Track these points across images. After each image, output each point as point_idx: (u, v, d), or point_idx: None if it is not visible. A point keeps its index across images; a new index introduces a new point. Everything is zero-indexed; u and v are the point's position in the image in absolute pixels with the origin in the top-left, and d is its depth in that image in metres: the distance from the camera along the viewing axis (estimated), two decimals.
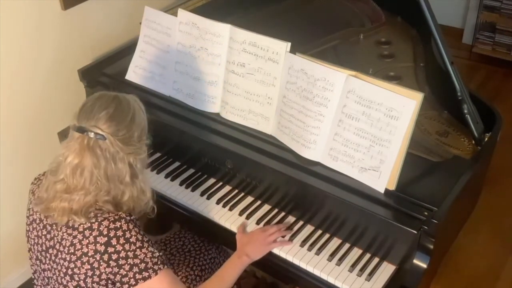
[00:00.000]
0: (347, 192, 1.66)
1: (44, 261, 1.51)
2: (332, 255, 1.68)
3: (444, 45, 1.79)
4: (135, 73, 2.13)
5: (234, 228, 1.78)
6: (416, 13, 1.86)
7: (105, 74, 2.23)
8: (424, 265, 1.55)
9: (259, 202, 1.87)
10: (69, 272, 1.42)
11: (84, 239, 1.39)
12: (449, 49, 1.79)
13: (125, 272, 1.39)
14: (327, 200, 1.70)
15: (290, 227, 1.77)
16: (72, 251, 1.41)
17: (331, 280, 1.62)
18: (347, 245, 1.71)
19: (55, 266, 1.47)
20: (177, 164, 2.04)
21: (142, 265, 1.40)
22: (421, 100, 1.53)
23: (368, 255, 1.68)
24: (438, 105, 2.03)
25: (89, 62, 2.33)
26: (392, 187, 1.62)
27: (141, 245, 1.40)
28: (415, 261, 1.56)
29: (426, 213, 1.56)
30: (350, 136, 1.65)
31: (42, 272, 1.54)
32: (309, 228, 1.77)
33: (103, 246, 1.38)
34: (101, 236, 1.38)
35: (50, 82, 2.35)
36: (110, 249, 1.38)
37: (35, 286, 1.62)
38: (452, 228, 1.87)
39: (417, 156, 1.75)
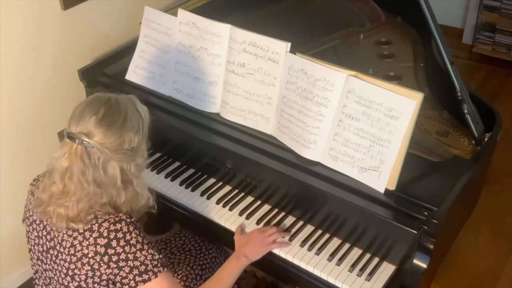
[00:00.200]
0: (347, 192, 1.66)
1: (45, 261, 1.51)
2: (332, 255, 1.68)
3: (444, 45, 1.79)
4: (135, 73, 2.13)
5: (234, 228, 1.78)
6: (416, 13, 1.86)
7: (105, 74, 2.23)
8: (424, 265, 1.56)
9: (259, 202, 1.87)
10: (70, 273, 1.42)
11: (84, 240, 1.39)
12: (449, 49, 1.79)
13: (125, 274, 1.39)
14: (327, 200, 1.70)
15: (290, 227, 1.77)
16: (73, 252, 1.41)
17: (331, 280, 1.62)
18: (347, 245, 1.71)
19: (56, 266, 1.47)
20: (177, 164, 2.04)
21: (142, 268, 1.40)
22: (421, 100, 1.53)
23: (368, 255, 1.68)
24: (438, 105, 2.03)
25: (89, 62, 2.33)
26: (392, 187, 1.62)
27: (141, 247, 1.40)
28: (415, 261, 1.56)
29: (426, 213, 1.56)
30: (350, 136, 1.65)
31: (43, 272, 1.54)
32: (309, 228, 1.77)
33: (103, 247, 1.38)
34: (101, 238, 1.38)
35: (50, 82, 2.35)
36: (110, 251, 1.38)
37: (36, 286, 1.62)
38: (452, 228, 1.87)
39: (417, 156, 1.75)
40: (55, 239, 1.45)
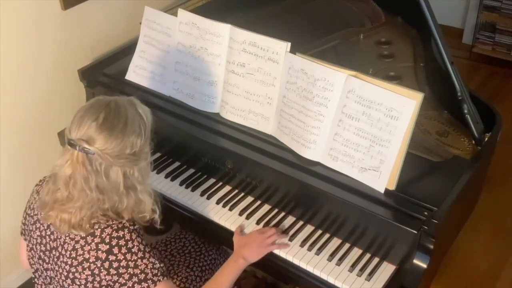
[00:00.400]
0: (347, 192, 1.66)
1: (47, 261, 1.50)
2: (332, 255, 1.68)
3: (444, 45, 1.79)
4: (135, 73, 2.13)
5: (234, 228, 1.78)
6: (416, 13, 1.86)
7: (105, 74, 2.23)
8: (424, 265, 1.55)
9: (259, 202, 1.87)
10: (70, 276, 1.42)
11: (86, 245, 1.39)
12: (449, 49, 1.79)
13: (124, 281, 1.38)
14: (327, 200, 1.70)
15: (290, 227, 1.77)
16: (74, 256, 1.40)
17: (331, 280, 1.62)
18: (347, 245, 1.71)
19: (57, 268, 1.47)
20: (177, 164, 2.04)
21: (142, 276, 1.39)
22: (421, 100, 1.53)
23: (368, 255, 1.68)
24: (438, 105, 2.03)
25: (89, 62, 2.33)
26: (392, 187, 1.62)
27: (142, 255, 1.39)
28: (415, 261, 1.56)
29: (426, 213, 1.56)
30: (350, 136, 1.65)
31: (44, 271, 1.53)
32: (309, 228, 1.77)
33: (104, 253, 1.37)
34: (103, 244, 1.38)
35: (50, 82, 2.35)
36: (112, 257, 1.37)
37: (36, 285, 1.62)
38: (452, 228, 1.87)
39: (417, 156, 1.74)
40: (58, 240, 1.44)
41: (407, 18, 2.52)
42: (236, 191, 1.91)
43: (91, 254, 1.38)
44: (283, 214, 1.82)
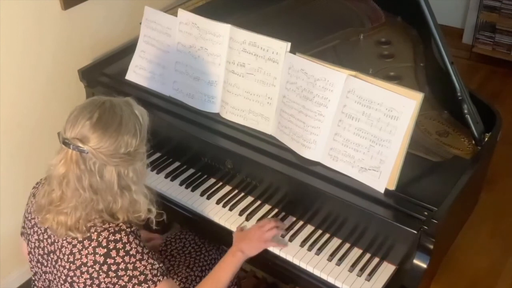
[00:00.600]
0: (347, 192, 1.66)
1: (46, 264, 1.50)
2: (332, 255, 1.68)
3: (444, 45, 1.79)
4: (135, 73, 2.13)
5: (234, 228, 1.78)
6: (416, 13, 1.85)
7: (105, 74, 2.23)
8: (424, 265, 1.55)
9: (259, 202, 1.87)
10: (69, 279, 1.42)
11: (84, 249, 1.38)
12: (449, 49, 1.79)
13: (124, 283, 1.38)
14: (327, 200, 1.70)
15: (290, 227, 1.77)
16: (72, 260, 1.40)
17: (331, 280, 1.62)
18: (347, 245, 1.71)
19: (55, 271, 1.46)
20: (177, 164, 2.04)
21: (142, 277, 1.39)
22: (421, 100, 1.53)
23: (368, 255, 1.68)
24: (438, 105, 2.03)
25: (89, 62, 2.33)
26: (392, 187, 1.62)
27: (141, 257, 1.39)
28: (415, 261, 1.56)
29: (426, 213, 1.56)
30: (350, 136, 1.65)
31: (43, 274, 1.53)
32: (309, 228, 1.77)
33: (102, 257, 1.37)
34: (100, 247, 1.37)
35: (50, 82, 2.35)
36: (110, 261, 1.37)
37: None
38: (452, 228, 1.87)
39: (417, 156, 1.74)
40: (55, 244, 1.44)
41: (407, 18, 2.52)
42: (236, 191, 1.91)
43: (88, 258, 1.38)
44: (283, 214, 1.82)
